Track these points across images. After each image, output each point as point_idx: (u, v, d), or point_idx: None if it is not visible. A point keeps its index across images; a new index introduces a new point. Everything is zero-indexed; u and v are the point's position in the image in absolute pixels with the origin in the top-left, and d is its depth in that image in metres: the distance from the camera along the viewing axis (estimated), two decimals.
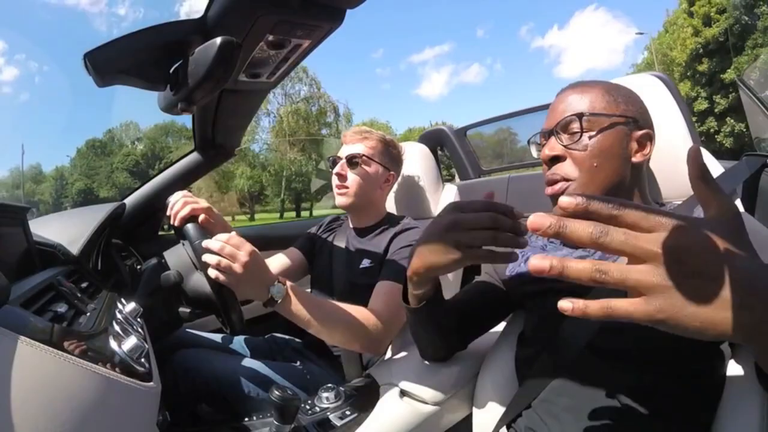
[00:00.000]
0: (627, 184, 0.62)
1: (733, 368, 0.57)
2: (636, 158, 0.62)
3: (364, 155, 1.04)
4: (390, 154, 1.08)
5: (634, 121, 0.62)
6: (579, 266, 0.29)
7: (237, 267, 0.66)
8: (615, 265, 0.28)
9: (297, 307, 0.73)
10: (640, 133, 0.62)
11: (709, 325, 0.28)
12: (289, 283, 0.74)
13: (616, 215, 0.29)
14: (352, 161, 1.03)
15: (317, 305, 0.75)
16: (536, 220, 0.29)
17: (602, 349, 0.57)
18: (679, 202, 0.66)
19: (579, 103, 0.62)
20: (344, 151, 1.06)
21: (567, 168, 0.61)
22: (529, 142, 0.72)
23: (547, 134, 0.64)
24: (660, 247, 0.28)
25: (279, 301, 0.71)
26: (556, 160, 0.62)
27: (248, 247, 0.69)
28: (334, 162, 1.07)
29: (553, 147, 0.62)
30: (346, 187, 1.04)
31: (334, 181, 1.05)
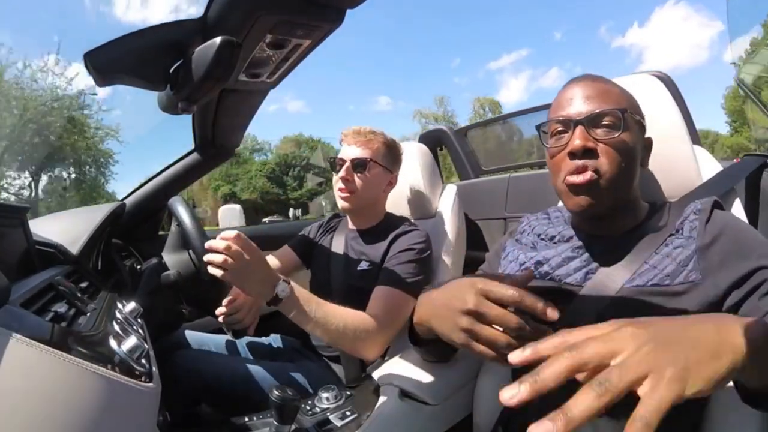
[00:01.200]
0: (636, 190, 0.62)
1: None
2: (643, 164, 0.62)
3: (369, 159, 1.02)
4: (392, 157, 1.07)
5: (643, 123, 0.62)
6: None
7: (244, 265, 0.68)
8: (615, 375, 0.31)
9: (299, 306, 0.75)
10: (647, 138, 0.62)
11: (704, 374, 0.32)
12: (293, 283, 0.76)
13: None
14: (358, 165, 1.01)
15: (318, 306, 0.78)
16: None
17: None
18: (667, 204, 0.66)
19: (610, 97, 0.59)
20: (347, 153, 1.03)
21: (600, 162, 0.57)
22: (539, 129, 0.66)
23: (573, 124, 0.59)
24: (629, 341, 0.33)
25: (283, 300, 0.73)
26: (588, 152, 0.57)
27: (253, 246, 0.70)
28: (334, 163, 1.05)
29: (587, 137, 0.57)
30: (352, 192, 1.02)
31: (338, 184, 1.03)
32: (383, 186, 1.06)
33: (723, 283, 0.52)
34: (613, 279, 0.57)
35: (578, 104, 0.59)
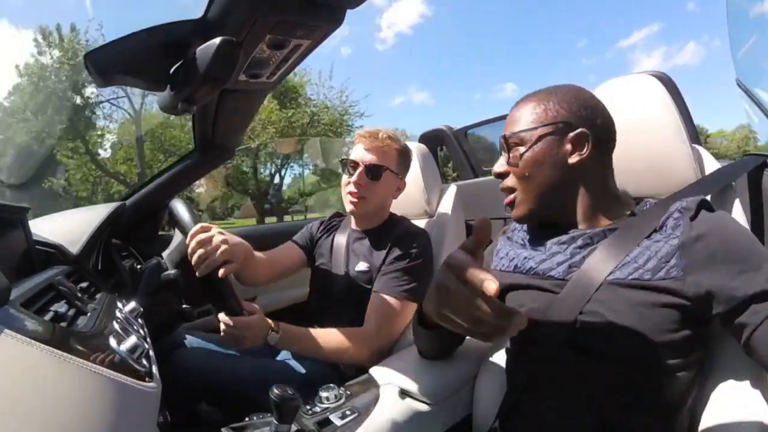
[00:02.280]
0: (565, 186, 0.65)
1: (712, 366, 0.59)
2: (572, 159, 0.63)
3: (385, 166, 1.00)
4: (404, 164, 1.07)
5: (566, 124, 0.63)
6: None
7: (243, 342, 0.84)
8: None
9: (291, 345, 0.90)
10: (572, 134, 0.63)
11: None
12: (282, 328, 0.88)
13: None
14: (372, 171, 1.00)
15: (309, 340, 0.89)
16: None
17: (580, 346, 0.58)
18: (654, 201, 0.67)
19: (512, 124, 0.68)
20: (362, 157, 1.01)
21: (509, 181, 0.68)
22: (501, 152, 0.74)
23: (501, 149, 0.70)
24: None
25: (274, 344, 0.87)
26: (502, 175, 0.69)
27: (252, 322, 0.84)
28: (346, 165, 1.04)
29: (501, 164, 0.69)
30: (363, 197, 1.00)
31: (349, 187, 1.02)
32: (393, 192, 1.07)
33: (706, 281, 0.52)
34: (596, 273, 0.58)
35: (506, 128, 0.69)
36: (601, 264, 0.59)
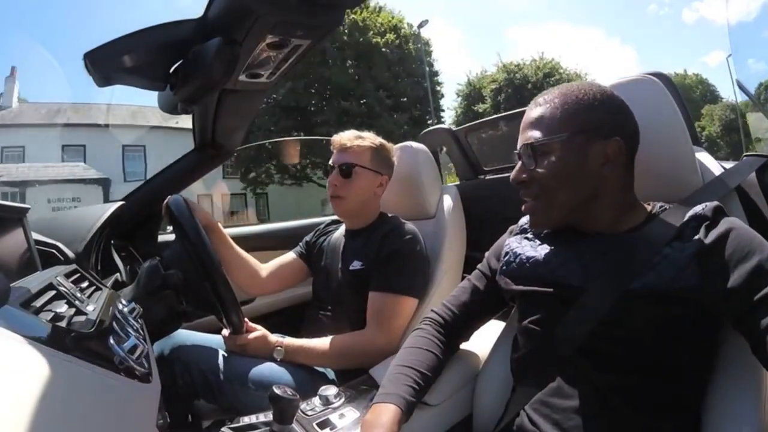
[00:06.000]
0: (592, 196, 0.61)
1: (721, 369, 0.58)
2: (604, 170, 0.60)
3: (356, 164, 1.05)
4: (381, 158, 1.09)
5: (599, 131, 0.59)
6: None
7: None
8: None
9: (296, 358, 0.95)
10: (606, 143, 0.59)
11: None
12: (286, 343, 0.96)
13: None
14: (345, 170, 1.05)
15: (314, 351, 0.95)
16: None
17: (592, 351, 0.57)
18: (668, 207, 0.64)
19: (535, 126, 0.62)
20: (335, 159, 1.07)
21: (532, 192, 0.63)
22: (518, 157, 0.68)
23: (517, 156, 0.65)
24: None
25: (280, 359, 0.95)
26: (523, 184, 0.63)
27: (264, 340, 0.97)
28: (327, 169, 1.09)
29: (521, 171, 0.63)
30: (340, 197, 1.06)
31: (329, 190, 1.07)
32: (373, 188, 1.09)
33: (722, 288, 0.52)
34: (613, 282, 0.57)
35: (522, 135, 0.64)
36: (618, 272, 0.57)
